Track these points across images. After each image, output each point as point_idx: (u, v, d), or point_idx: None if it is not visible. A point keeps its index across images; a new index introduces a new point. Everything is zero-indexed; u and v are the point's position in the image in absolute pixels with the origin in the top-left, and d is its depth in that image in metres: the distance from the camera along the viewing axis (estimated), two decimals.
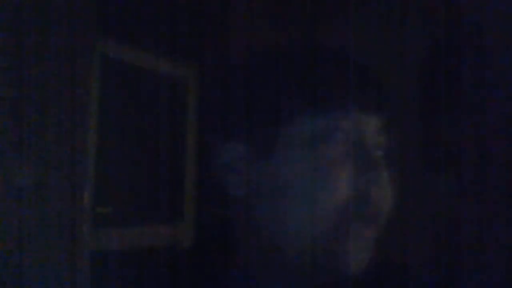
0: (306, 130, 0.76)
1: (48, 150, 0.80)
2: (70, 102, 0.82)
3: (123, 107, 0.88)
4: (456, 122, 0.84)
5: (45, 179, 0.80)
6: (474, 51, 0.84)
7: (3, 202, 0.80)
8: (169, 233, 0.87)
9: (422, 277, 0.83)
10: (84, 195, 0.81)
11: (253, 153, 0.79)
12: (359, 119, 0.77)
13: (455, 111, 0.84)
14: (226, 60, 0.86)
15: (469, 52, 0.84)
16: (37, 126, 0.81)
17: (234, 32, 0.87)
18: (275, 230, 0.79)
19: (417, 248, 0.84)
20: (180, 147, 0.86)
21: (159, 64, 0.88)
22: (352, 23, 0.83)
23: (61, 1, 0.82)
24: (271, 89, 0.78)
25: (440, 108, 0.83)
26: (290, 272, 0.79)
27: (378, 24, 0.86)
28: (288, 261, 0.79)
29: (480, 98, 0.84)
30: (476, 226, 0.83)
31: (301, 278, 0.78)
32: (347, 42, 0.83)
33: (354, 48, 0.81)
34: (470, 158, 0.84)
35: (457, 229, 0.84)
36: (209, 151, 0.80)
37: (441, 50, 0.83)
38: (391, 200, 0.77)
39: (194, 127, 0.90)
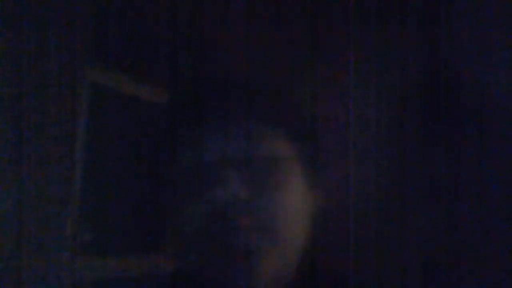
0: None
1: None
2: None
3: (110, 135, 0.87)
4: (457, 126, 0.84)
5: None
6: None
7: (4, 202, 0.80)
8: (150, 262, 0.87)
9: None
10: (67, 223, 0.82)
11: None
12: None
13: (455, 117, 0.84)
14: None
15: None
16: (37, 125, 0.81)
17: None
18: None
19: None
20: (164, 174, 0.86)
21: (141, 89, 0.87)
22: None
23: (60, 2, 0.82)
24: None
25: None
26: None
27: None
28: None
29: (480, 103, 0.84)
30: (476, 226, 0.83)
31: None
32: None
33: None
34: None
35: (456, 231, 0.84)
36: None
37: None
38: None
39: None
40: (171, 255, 0.84)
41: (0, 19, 0.80)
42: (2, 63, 0.81)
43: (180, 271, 0.84)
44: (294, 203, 0.81)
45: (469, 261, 0.83)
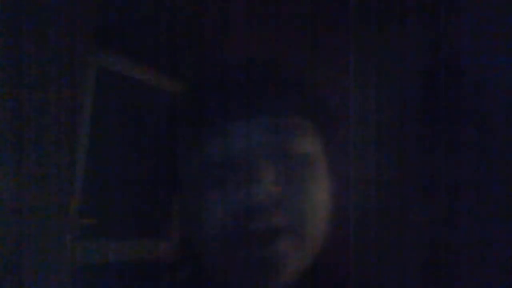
0: None
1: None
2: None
3: (114, 118, 0.88)
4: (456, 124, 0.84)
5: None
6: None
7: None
8: (153, 247, 0.87)
9: None
10: (71, 206, 0.82)
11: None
12: None
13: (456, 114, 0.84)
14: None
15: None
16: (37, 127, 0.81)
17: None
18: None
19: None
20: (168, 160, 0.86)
21: (151, 76, 0.87)
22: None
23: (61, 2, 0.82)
24: None
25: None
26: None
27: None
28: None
29: (481, 100, 0.84)
30: (476, 227, 0.84)
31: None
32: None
33: None
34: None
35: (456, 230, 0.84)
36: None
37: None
38: None
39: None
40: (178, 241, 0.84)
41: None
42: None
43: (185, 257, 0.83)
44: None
45: (469, 261, 0.83)
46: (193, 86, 0.84)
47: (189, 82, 0.85)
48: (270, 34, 0.85)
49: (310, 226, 0.77)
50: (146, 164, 0.86)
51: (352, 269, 0.81)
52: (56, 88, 0.81)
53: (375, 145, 0.83)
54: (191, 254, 0.81)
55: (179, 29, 0.86)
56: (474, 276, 0.83)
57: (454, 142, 0.84)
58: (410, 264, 0.83)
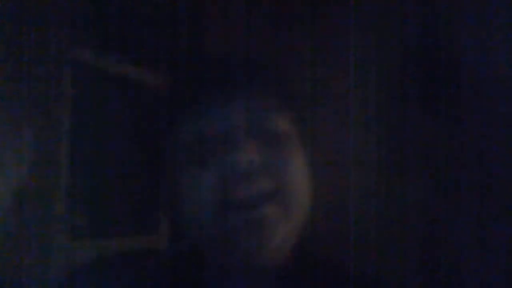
0: None
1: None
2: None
3: (100, 115, 0.88)
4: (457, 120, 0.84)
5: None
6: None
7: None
8: (144, 244, 0.87)
9: None
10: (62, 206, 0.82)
11: None
12: None
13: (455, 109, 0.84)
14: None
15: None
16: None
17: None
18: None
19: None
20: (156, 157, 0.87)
21: (130, 70, 0.88)
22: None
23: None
24: None
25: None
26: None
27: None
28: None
29: (480, 96, 0.84)
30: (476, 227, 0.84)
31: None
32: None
33: None
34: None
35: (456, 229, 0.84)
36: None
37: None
38: None
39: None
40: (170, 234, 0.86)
41: None
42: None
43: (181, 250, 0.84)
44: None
45: (469, 261, 0.83)
46: (174, 76, 0.87)
47: (171, 73, 0.87)
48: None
49: (294, 193, 0.81)
50: (130, 157, 0.87)
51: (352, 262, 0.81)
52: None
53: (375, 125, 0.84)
54: (183, 233, 0.83)
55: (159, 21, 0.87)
56: (474, 276, 0.83)
57: (454, 140, 0.84)
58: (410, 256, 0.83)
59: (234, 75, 0.83)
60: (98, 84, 0.87)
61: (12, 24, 0.82)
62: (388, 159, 0.84)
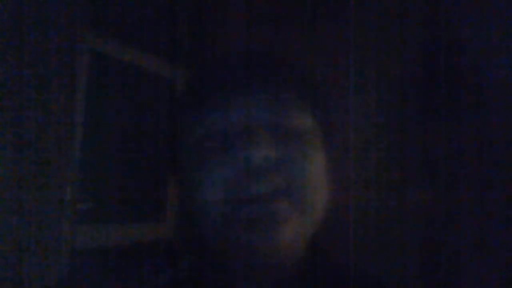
0: None
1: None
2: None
3: (109, 104, 0.88)
4: (457, 121, 0.84)
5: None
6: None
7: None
8: (151, 231, 0.87)
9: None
10: (67, 191, 0.82)
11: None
12: None
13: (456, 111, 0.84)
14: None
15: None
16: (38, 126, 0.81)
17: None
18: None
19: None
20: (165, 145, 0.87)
21: (148, 62, 0.88)
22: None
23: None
24: None
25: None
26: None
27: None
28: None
29: (480, 97, 0.84)
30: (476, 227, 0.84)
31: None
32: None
33: None
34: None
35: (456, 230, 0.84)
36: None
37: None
38: None
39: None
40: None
41: None
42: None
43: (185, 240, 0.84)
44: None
45: (469, 260, 0.84)
46: (195, 70, 0.87)
47: (191, 67, 0.88)
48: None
49: (308, 190, 0.80)
50: (144, 145, 0.87)
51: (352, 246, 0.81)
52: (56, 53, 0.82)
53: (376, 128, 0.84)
54: (193, 225, 0.83)
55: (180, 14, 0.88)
56: (474, 276, 0.83)
57: (455, 139, 0.84)
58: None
59: (253, 70, 0.82)
60: (111, 74, 0.87)
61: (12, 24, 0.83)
62: (388, 159, 0.84)
